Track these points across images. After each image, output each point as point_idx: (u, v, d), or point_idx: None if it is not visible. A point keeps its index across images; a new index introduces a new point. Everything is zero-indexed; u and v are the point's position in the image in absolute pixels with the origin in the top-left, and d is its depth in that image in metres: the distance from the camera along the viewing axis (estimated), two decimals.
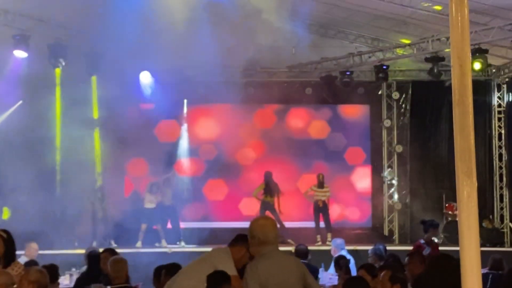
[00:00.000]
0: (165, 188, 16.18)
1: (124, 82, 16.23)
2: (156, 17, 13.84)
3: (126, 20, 13.37)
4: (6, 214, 15.55)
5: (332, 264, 11.15)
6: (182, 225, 16.25)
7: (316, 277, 9.97)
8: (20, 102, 16.33)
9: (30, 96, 16.10)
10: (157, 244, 15.48)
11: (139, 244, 15.46)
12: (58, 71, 16.01)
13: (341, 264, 9.27)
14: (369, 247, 11.01)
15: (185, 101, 17.68)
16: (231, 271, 5.32)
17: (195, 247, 14.93)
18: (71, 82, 16.17)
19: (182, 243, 15.54)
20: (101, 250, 9.44)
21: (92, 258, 8.88)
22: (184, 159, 17.87)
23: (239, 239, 5.78)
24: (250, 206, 16.82)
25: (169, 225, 16.20)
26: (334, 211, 16.99)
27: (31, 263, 8.85)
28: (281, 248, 13.29)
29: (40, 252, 11.57)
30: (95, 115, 16.95)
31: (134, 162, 17.71)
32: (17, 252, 8.19)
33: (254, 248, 4.70)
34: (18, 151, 15.47)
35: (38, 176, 15.32)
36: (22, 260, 9.46)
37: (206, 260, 5.67)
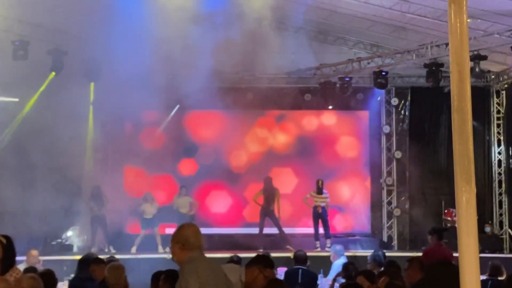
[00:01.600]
0: (180, 198, 16.26)
1: (122, 89, 16.23)
2: (155, 23, 13.87)
3: (125, 27, 13.40)
4: None
5: (331, 270, 11.13)
6: None
7: (315, 283, 9.96)
8: (17, 100, 16.36)
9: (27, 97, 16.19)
10: (166, 250, 15.54)
11: (133, 249, 15.51)
12: (52, 74, 16.00)
13: (350, 269, 9.23)
14: (368, 253, 10.99)
15: (177, 106, 17.63)
16: None
17: None
18: (69, 88, 16.16)
19: None
20: (101, 256, 9.44)
21: (82, 262, 8.91)
22: (184, 165, 17.85)
23: (255, 260, 5.92)
24: (254, 212, 16.77)
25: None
26: (333, 217, 16.97)
27: (29, 270, 8.84)
28: (280, 254, 13.31)
29: (39, 258, 11.56)
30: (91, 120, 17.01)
31: (132, 168, 17.70)
32: (19, 258, 8.21)
33: (184, 252, 4.85)
34: (12, 156, 15.53)
35: (37, 181, 15.32)
36: (22, 267, 9.45)
37: None
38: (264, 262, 6.02)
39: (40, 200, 15.34)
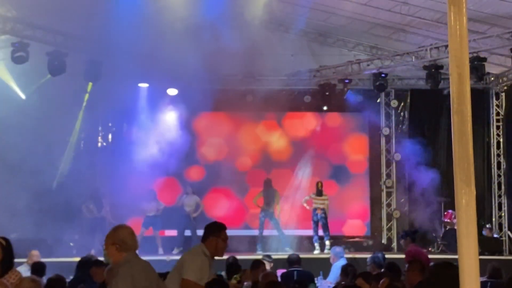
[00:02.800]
0: (188, 196, 16.26)
1: (123, 90, 16.26)
2: (155, 25, 13.87)
3: (126, 29, 13.40)
4: None
5: (331, 272, 11.14)
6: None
7: (313, 283, 9.95)
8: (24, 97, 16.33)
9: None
10: (174, 251, 15.49)
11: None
12: (48, 76, 15.95)
13: (348, 271, 9.25)
14: (367, 255, 10.99)
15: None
16: (191, 275, 5.81)
17: None
18: (69, 89, 16.17)
19: None
20: (100, 258, 9.44)
21: (82, 264, 8.92)
22: (186, 167, 17.83)
23: (207, 231, 6.21)
24: (255, 214, 16.74)
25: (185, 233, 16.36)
26: (333, 219, 16.95)
27: (37, 266, 8.86)
28: (279, 256, 13.29)
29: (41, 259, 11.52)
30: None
31: (134, 169, 17.67)
32: (18, 260, 8.18)
33: (120, 253, 4.94)
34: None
35: (35, 181, 15.29)
36: (24, 268, 9.45)
37: (176, 268, 6.08)
38: (216, 228, 6.18)
39: (39, 201, 15.32)
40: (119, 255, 4.91)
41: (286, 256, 12.86)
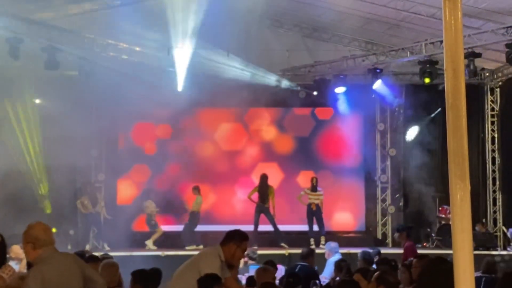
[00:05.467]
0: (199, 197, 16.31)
1: (119, 87, 16.23)
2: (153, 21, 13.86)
3: (121, 24, 13.39)
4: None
5: (326, 267, 11.16)
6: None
7: (314, 278, 9.96)
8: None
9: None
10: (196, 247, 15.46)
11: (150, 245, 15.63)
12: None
13: (342, 266, 9.27)
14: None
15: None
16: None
17: (190, 251, 14.90)
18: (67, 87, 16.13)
19: (200, 246, 15.51)
20: (95, 253, 9.43)
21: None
22: (179, 163, 17.81)
23: (229, 236, 6.18)
24: (247, 209, 16.76)
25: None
26: (328, 215, 16.98)
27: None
28: (275, 252, 13.29)
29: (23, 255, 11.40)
30: None
31: (131, 167, 17.67)
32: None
33: (36, 251, 4.95)
34: None
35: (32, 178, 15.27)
36: (12, 263, 9.36)
37: (193, 264, 5.93)
38: (239, 237, 6.15)
39: (35, 198, 15.29)
40: (35, 253, 4.93)
41: (281, 252, 12.95)
